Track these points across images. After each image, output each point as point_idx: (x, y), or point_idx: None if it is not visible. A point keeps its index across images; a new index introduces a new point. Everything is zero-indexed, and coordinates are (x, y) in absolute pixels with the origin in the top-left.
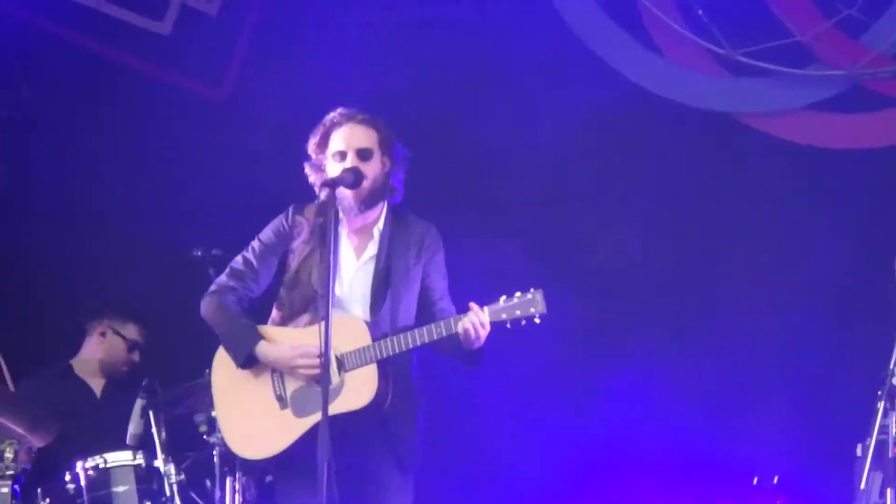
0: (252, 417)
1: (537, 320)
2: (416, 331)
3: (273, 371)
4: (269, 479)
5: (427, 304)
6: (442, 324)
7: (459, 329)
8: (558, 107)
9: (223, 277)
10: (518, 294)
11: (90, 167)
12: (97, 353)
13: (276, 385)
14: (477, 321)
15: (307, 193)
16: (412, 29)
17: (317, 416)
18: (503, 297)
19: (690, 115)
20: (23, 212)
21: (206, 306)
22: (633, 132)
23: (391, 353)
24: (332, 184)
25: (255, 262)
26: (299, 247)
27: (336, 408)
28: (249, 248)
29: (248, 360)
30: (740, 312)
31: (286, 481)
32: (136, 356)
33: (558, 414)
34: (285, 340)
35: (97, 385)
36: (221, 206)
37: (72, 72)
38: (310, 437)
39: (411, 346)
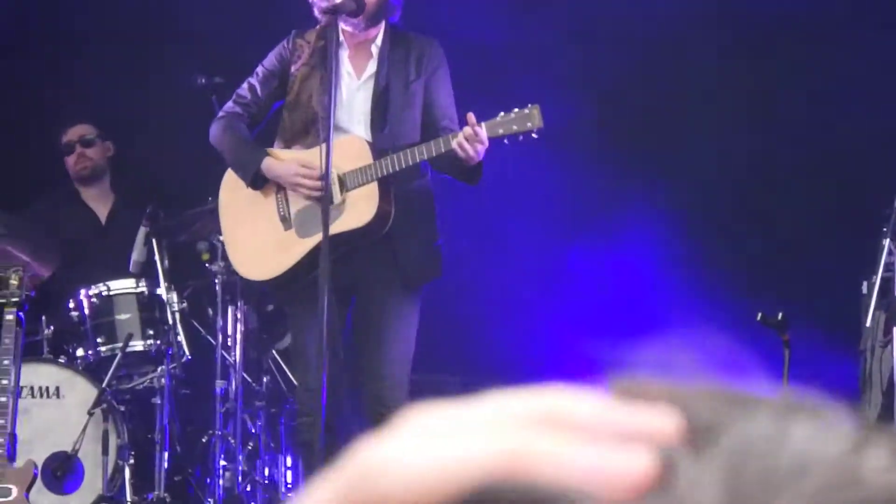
0: (256, 238)
1: (535, 135)
2: (414, 147)
3: (278, 192)
4: (270, 307)
5: (431, 121)
6: (441, 140)
7: (454, 144)
8: None
9: (229, 104)
10: (516, 110)
11: None
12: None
13: (281, 205)
14: (473, 135)
15: (309, 20)
16: None
17: (319, 237)
18: (501, 113)
19: None
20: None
21: (214, 132)
22: None
23: (391, 171)
24: (333, 10)
25: (258, 88)
26: (300, 69)
27: (338, 227)
28: (253, 74)
29: (255, 178)
30: None
31: (293, 304)
32: (90, 152)
33: None
34: (291, 158)
35: (102, 211)
36: (223, 34)
37: None
38: (312, 257)
39: (410, 162)
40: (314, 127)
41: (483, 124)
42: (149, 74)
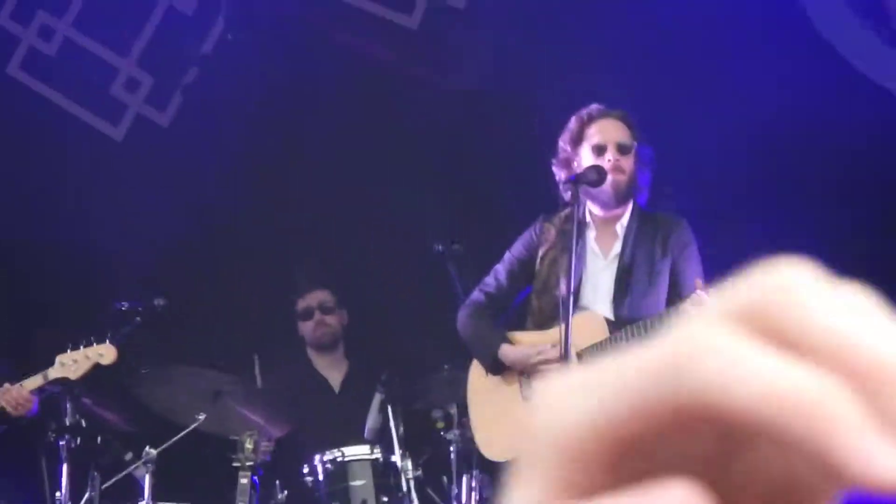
0: (501, 419)
1: None
2: (646, 320)
3: (521, 373)
4: (505, 475)
5: (677, 300)
6: (670, 310)
7: (683, 312)
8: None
9: (475, 293)
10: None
11: (339, 158)
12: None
13: (524, 386)
14: (700, 302)
15: (547, 201)
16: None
17: None
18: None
19: None
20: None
21: (459, 320)
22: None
23: (623, 346)
24: (575, 181)
25: (504, 276)
26: (547, 254)
27: None
28: (501, 260)
29: (494, 365)
30: None
31: None
32: (329, 318)
33: None
34: (529, 342)
35: (335, 379)
36: (464, 201)
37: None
38: None
39: (641, 333)
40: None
41: (710, 292)
42: (383, 240)
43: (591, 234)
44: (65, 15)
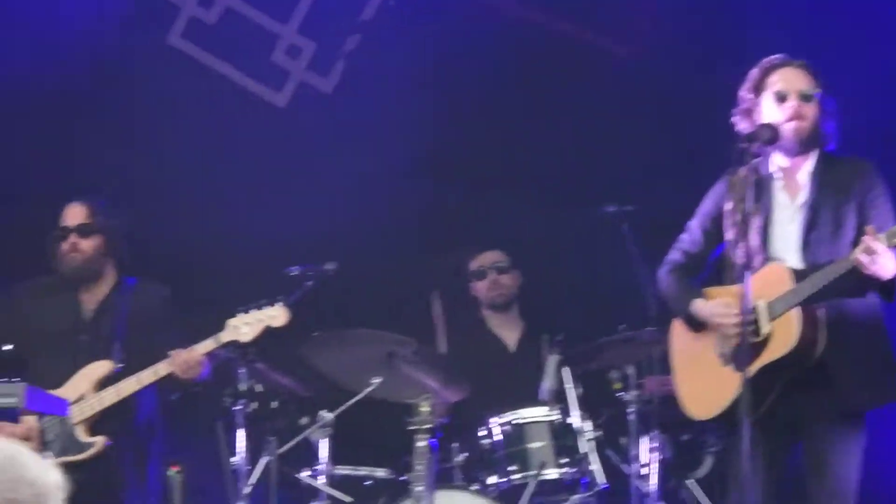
0: (700, 377)
1: None
2: (827, 267)
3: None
4: (685, 437)
5: None
6: (845, 259)
7: (853, 259)
8: None
9: (672, 252)
10: None
11: (500, 117)
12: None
13: (718, 342)
14: (869, 248)
15: (712, 155)
16: None
17: (752, 371)
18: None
19: None
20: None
21: (658, 280)
22: None
23: (809, 294)
24: (749, 139)
25: (697, 233)
26: (735, 208)
27: (765, 357)
28: (694, 216)
29: (689, 321)
30: None
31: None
32: (502, 278)
33: None
34: (723, 297)
35: (511, 339)
36: (638, 164)
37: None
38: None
39: (824, 282)
40: (754, 262)
41: (882, 235)
42: (558, 202)
43: (777, 185)
44: None
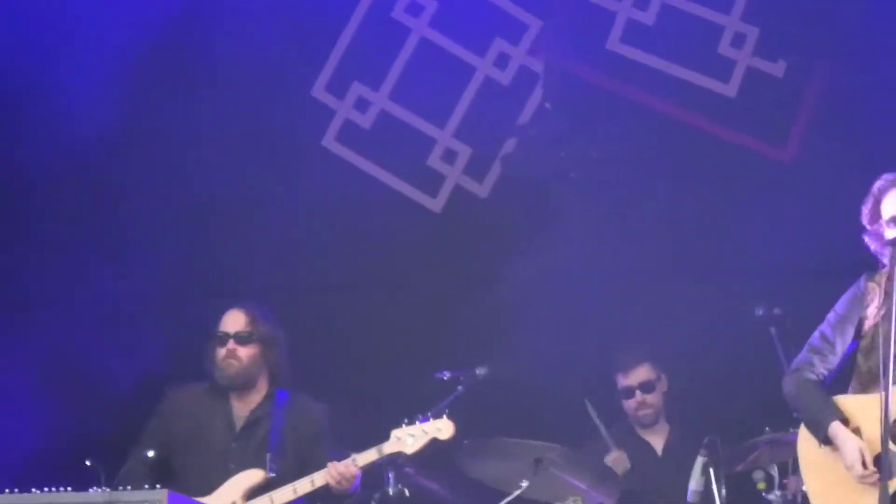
0: (835, 489)
1: None
2: None
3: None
4: None
5: None
6: None
7: None
8: None
9: (802, 354)
10: None
11: (653, 218)
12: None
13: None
14: None
15: (868, 260)
16: None
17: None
18: None
19: None
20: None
21: (787, 385)
22: None
23: None
24: (893, 243)
25: (830, 335)
26: (873, 312)
27: None
28: (825, 320)
29: (825, 439)
30: None
31: None
32: (654, 398)
33: None
34: (860, 411)
35: (658, 443)
36: (789, 266)
37: (641, 131)
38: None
39: None
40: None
41: None
42: (706, 304)
43: None
44: (381, 86)
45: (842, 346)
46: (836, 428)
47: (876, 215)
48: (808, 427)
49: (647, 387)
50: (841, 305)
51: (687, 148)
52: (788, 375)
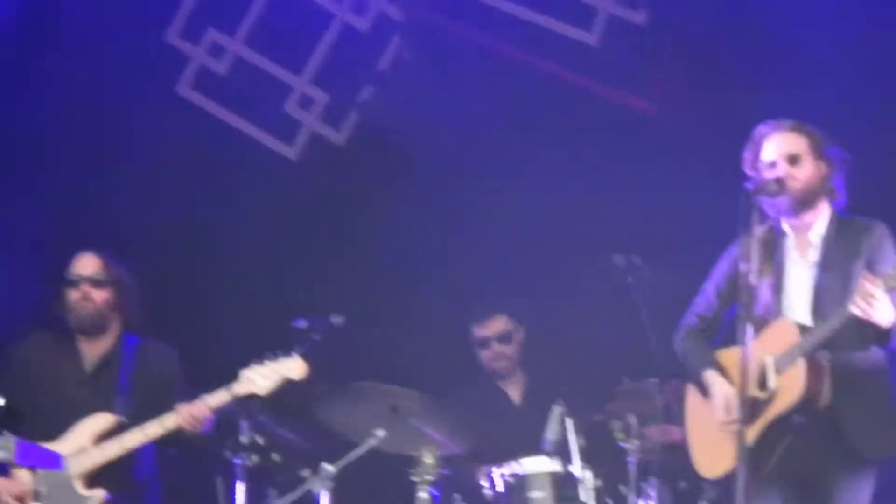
0: (710, 438)
1: None
2: (828, 320)
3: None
4: (682, 484)
5: None
6: (844, 307)
7: (853, 308)
8: None
9: (687, 316)
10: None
11: (512, 171)
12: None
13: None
14: (865, 293)
15: (728, 206)
16: None
17: (758, 428)
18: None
19: None
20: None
21: (674, 344)
22: None
23: (813, 346)
24: (755, 192)
25: (711, 296)
26: (748, 268)
27: (771, 412)
28: (708, 279)
29: (702, 388)
30: None
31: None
32: (511, 348)
33: None
34: (737, 361)
35: (515, 392)
36: (644, 215)
37: (501, 80)
38: (757, 447)
39: (824, 334)
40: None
41: (879, 281)
42: (561, 254)
43: (789, 244)
44: (236, 32)
45: (721, 304)
46: (708, 376)
47: (755, 161)
48: (690, 379)
49: (503, 338)
50: (720, 265)
51: (549, 97)
52: (676, 334)
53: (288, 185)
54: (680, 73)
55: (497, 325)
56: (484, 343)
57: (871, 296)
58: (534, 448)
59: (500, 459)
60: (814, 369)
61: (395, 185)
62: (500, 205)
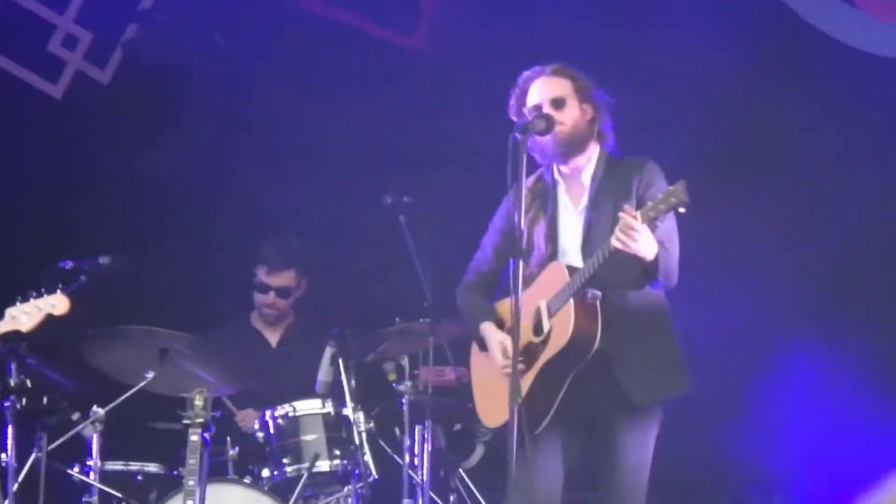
0: (490, 388)
1: (682, 210)
2: (595, 255)
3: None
4: (457, 427)
5: None
6: (606, 243)
7: (614, 242)
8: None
9: (467, 272)
10: (660, 195)
11: (268, 112)
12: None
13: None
14: (625, 226)
15: (498, 145)
16: None
17: (531, 376)
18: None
19: (879, 63)
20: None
21: (457, 300)
22: (817, 81)
23: (581, 284)
24: (523, 130)
25: (488, 249)
26: (520, 218)
27: (545, 355)
28: (486, 233)
29: (480, 340)
30: None
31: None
32: (269, 298)
33: None
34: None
35: (273, 335)
36: (412, 154)
37: (269, 18)
38: (531, 396)
39: (589, 272)
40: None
41: (637, 213)
42: (335, 193)
43: (561, 189)
44: None
45: (497, 258)
46: (484, 328)
47: (521, 105)
48: (471, 332)
49: (283, 292)
50: (496, 219)
51: (317, 36)
52: (457, 290)
53: (53, 124)
54: (450, 9)
55: (284, 278)
56: (264, 289)
57: (631, 228)
58: (304, 391)
59: (270, 402)
60: (582, 309)
61: (162, 124)
62: (272, 145)
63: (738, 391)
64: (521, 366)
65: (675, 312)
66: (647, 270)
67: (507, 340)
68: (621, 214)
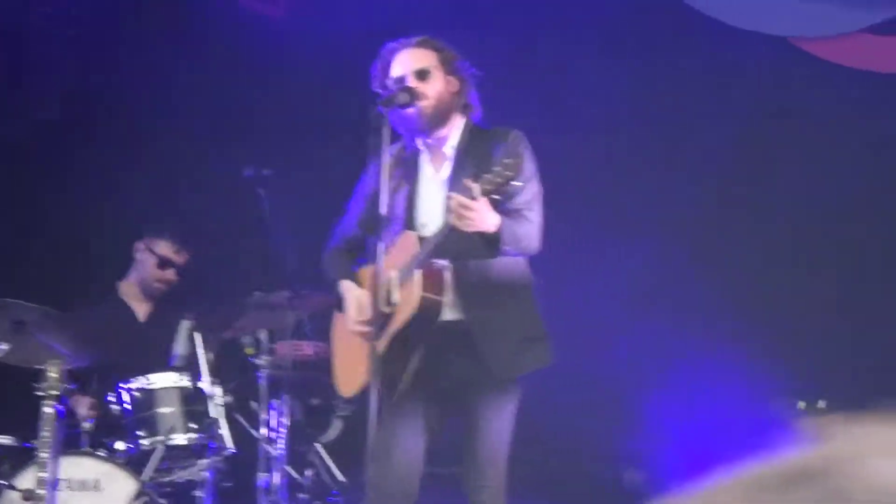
0: (347, 355)
1: (518, 183)
2: (436, 230)
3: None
4: (314, 401)
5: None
6: (445, 222)
7: (451, 220)
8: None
9: (333, 238)
10: (496, 168)
11: (136, 82)
12: (134, 272)
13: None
14: (457, 206)
15: (361, 116)
16: None
17: (383, 344)
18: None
19: (743, 36)
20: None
21: (322, 265)
22: (683, 55)
23: (427, 256)
24: (387, 102)
25: (352, 215)
26: (380, 187)
27: (393, 325)
28: (352, 200)
29: (338, 301)
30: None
31: (388, 410)
32: (169, 274)
33: None
34: (367, 282)
35: (141, 308)
36: (274, 126)
37: None
38: (382, 364)
39: (434, 243)
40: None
41: (475, 186)
42: (191, 166)
43: (424, 159)
44: None
45: (361, 225)
46: (343, 285)
47: (385, 78)
48: (332, 295)
49: (182, 268)
50: (360, 185)
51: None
52: (323, 254)
53: None
54: None
55: (184, 255)
56: (165, 264)
57: (464, 206)
58: (162, 364)
59: (128, 374)
60: (429, 278)
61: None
62: (128, 115)
63: (591, 367)
64: (367, 327)
65: (543, 289)
66: (489, 241)
67: (364, 296)
68: (451, 193)
